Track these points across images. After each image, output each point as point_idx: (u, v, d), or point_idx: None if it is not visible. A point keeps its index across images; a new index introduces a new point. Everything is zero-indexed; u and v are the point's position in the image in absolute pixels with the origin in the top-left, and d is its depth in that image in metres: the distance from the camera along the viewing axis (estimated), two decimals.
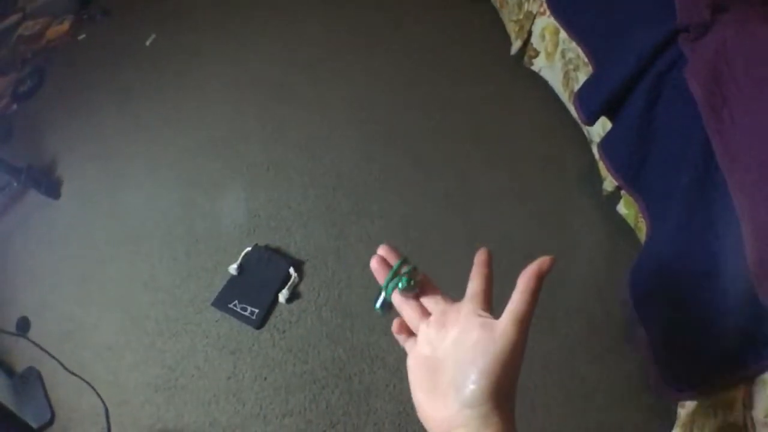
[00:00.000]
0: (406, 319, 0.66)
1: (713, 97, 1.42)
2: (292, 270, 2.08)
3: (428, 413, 0.55)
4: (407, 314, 0.66)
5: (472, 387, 0.51)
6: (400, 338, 0.66)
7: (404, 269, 0.67)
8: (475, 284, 0.63)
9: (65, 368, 1.92)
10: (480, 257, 0.66)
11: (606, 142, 1.97)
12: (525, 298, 0.55)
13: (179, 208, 2.37)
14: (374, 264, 0.68)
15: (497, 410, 0.51)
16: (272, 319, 2.01)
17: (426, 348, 0.61)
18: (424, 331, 0.63)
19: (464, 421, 0.51)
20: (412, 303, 0.66)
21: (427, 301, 0.66)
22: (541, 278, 0.57)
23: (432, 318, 0.64)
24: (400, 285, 0.66)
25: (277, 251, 2.16)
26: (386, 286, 0.67)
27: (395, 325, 0.66)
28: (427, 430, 0.56)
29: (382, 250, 0.70)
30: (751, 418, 1.30)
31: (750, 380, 1.32)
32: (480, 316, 0.58)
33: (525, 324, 0.55)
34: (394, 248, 0.70)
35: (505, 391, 0.52)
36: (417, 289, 0.67)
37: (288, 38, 3.03)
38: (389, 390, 1.83)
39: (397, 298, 0.67)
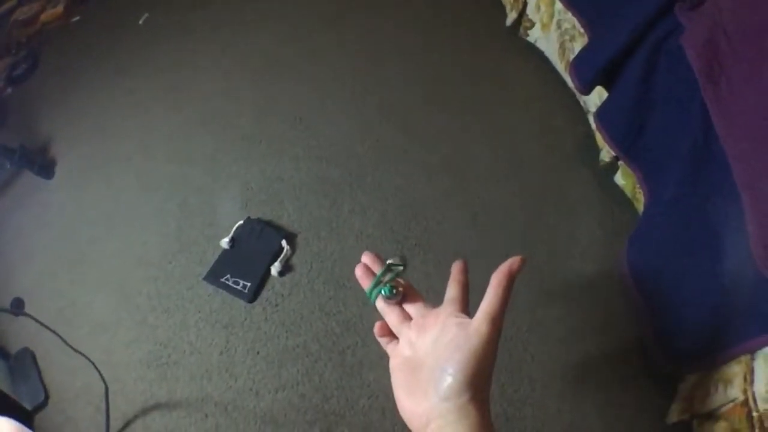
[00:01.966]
0: (389, 322, 0.71)
1: (710, 65, 1.41)
2: (284, 243, 2.06)
3: (408, 409, 0.59)
4: (390, 319, 0.70)
5: (449, 380, 0.55)
6: (383, 341, 0.71)
7: (387, 277, 0.71)
8: (452, 291, 0.67)
9: (67, 344, 1.90)
10: (456, 267, 0.70)
11: (602, 112, 1.96)
12: (497, 297, 0.59)
13: (172, 183, 2.35)
14: (359, 272, 0.74)
15: (473, 402, 0.54)
16: (265, 293, 1.99)
17: (407, 349, 0.65)
18: (406, 333, 0.67)
19: (441, 413, 0.54)
20: (395, 308, 0.71)
21: (409, 307, 0.71)
22: (512, 277, 0.60)
23: (413, 322, 0.68)
24: (383, 292, 0.70)
25: (269, 224, 2.14)
26: (370, 293, 0.71)
27: (377, 328, 0.71)
28: (409, 428, 0.59)
29: (366, 258, 0.75)
30: (753, 393, 1.29)
31: (751, 354, 1.31)
32: (457, 317, 0.62)
33: (498, 321, 0.58)
34: (378, 255, 0.75)
35: (481, 383, 0.56)
36: (399, 296, 0.71)
37: (280, 12, 3.01)
38: (382, 363, 1.79)
39: (380, 304, 0.71)
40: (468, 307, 0.66)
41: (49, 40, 3.13)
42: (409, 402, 0.59)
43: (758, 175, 1.25)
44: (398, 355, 0.66)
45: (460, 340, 0.57)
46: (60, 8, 3.23)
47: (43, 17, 3.23)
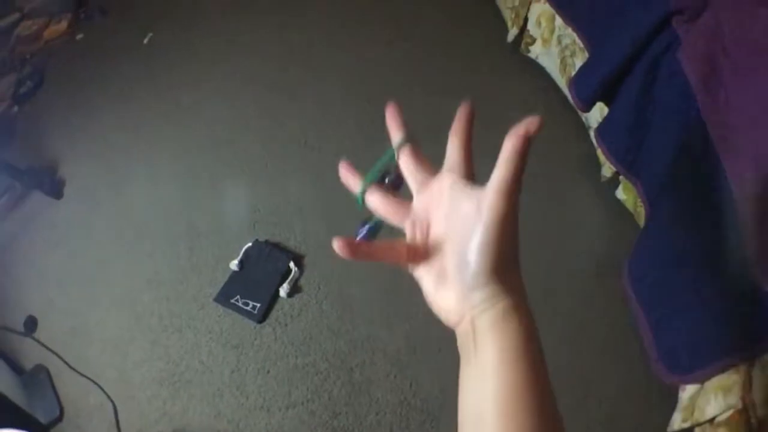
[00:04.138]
0: (393, 220, 0.60)
1: (708, 79, 1.44)
2: (292, 264, 2.11)
3: (442, 306, 0.53)
4: (391, 216, 0.60)
5: (472, 269, 0.49)
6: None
7: (379, 165, 0.63)
8: (453, 153, 0.59)
9: (71, 367, 1.96)
10: (461, 113, 0.60)
11: (603, 129, 1.98)
12: (511, 164, 0.50)
13: (180, 204, 2.40)
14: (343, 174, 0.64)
15: (502, 286, 0.50)
16: (274, 313, 2.04)
17: (420, 238, 0.57)
18: (413, 223, 0.58)
19: (473, 303, 0.50)
20: (391, 208, 0.60)
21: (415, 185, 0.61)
22: (528, 141, 0.50)
23: (415, 201, 0.59)
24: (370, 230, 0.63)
25: (277, 246, 2.19)
26: (362, 192, 0.62)
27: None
28: (447, 325, 0.54)
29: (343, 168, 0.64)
30: (752, 400, 1.32)
31: (750, 362, 1.34)
32: (464, 185, 0.55)
33: (512, 194, 0.50)
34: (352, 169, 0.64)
35: (506, 265, 0.51)
36: (397, 182, 0.62)
37: (284, 32, 3.03)
38: (390, 380, 1.85)
39: (375, 198, 0.61)
40: (472, 171, 0.57)
41: (53, 57, 3.16)
42: (440, 297, 0.53)
43: (755, 186, 1.29)
44: (416, 252, 0.56)
45: (472, 219, 0.50)
46: (64, 25, 3.26)
47: (47, 34, 3.26)
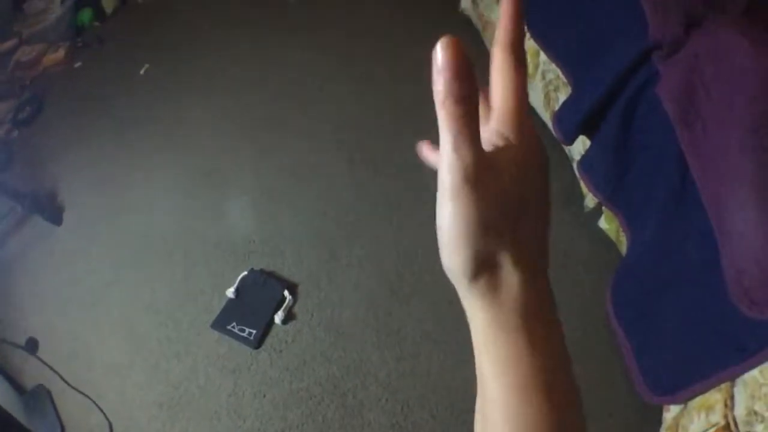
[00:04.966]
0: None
1: (686, 111, 1.51)
2: (286, 292, 2.18)
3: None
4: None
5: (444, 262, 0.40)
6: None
7: None
8: (500, 92, 0.42)
9: (69, 384, 2.02)
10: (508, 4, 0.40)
11: (585, 161, 2.04)
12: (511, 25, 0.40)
13: (177, 233, 2.47)
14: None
15: (486, 294, 0.39)
16: (269, 340, 2.12)
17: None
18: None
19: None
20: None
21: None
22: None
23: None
24: None
25: (271, 275, 2.26)
26: None
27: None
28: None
29: None
30: (734, 418, 1.36)
31: (731, 382, 1.39)
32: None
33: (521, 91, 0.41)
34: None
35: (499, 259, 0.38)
36: None
37: (277, 64, 3.12)
38: (382, 404, 1.92)
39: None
40: (525, 112, 0.42)
41: (52, 84, 3.23)
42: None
43: (731, 215, 1.36)
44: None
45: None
46: (61, 53, 3.33)
47: (46, 61, 3.33)
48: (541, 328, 0.39)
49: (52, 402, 2.07)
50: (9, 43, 3.39)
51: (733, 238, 1.34)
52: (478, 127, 0.36)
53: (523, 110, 0.41)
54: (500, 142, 0.40)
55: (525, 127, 0.41)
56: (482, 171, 0.36)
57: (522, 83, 0.41)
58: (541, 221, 0.41)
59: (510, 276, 0.38)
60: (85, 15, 3.48)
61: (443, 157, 0.36)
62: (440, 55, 0.35)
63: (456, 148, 0.35)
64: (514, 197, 0.38)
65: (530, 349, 0.39)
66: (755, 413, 1.31)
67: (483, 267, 0.38)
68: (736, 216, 1.35)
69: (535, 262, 0.40)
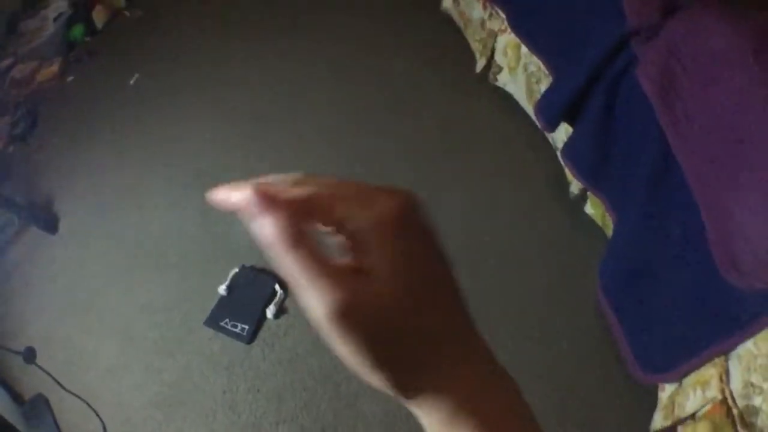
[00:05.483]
0: None
1: (666, 93, 1.53)
2: (277, 287, 2.20)
3: None
4: None
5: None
6: None
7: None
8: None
9: (64, 388, 2.03)
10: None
11: (568, 148, 2.07)
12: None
13: (169, 235, 2.50)
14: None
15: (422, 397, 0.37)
16: (261, 334, 2.13)
17: None
18: None
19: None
20: None
21: None
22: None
23: None
24: None
25: (262, 270, 2.28)
26: None
27: None
28: None
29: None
30: (731, 392, 1.37)
31: (725, 355, 1.40)
32: None
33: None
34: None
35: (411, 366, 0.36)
36: None
37: (264, 74, 3.15)
38: (375, 393, 1.92)
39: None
40: None
41: (46, 99, 3.27)
42: None
43: (714, 190, 1.38)
44: None
45: None
46: (55, 68, 3.38)
47: (39, 77, 3.37)
48: (488, 407, 0.38)
49: (51, 411, 2.09)
50: (4, 63, 3.44)
51: (719, 212, 1.37)
52: (326, 266, 0.33)
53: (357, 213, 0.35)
54: (366, 257, 0.35)
55: (378, 231, 0.35)
56: (347, 308, 0.32)
57: (316, 196, 0.35)
58: (447, 301, 0.37)
59: (435, 386, 0.36)
60: (77, 31, 3.52)
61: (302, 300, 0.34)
62: (256, 203, 0.33)
63: (304, 297, 0.33)
64: (399, 310, 0.34)
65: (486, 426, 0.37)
66: (752, 385, 1.32)
67: (405, 386, 0.36)
68: (721, 191, 1.37)
69: (455, 350, 0.37)
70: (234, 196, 0.35)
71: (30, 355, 2.21)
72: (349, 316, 0.33)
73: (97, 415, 1.98)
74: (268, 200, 0.33)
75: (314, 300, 0.33)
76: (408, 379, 0.36)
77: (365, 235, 0.34)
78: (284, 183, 0.36)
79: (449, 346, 0.37)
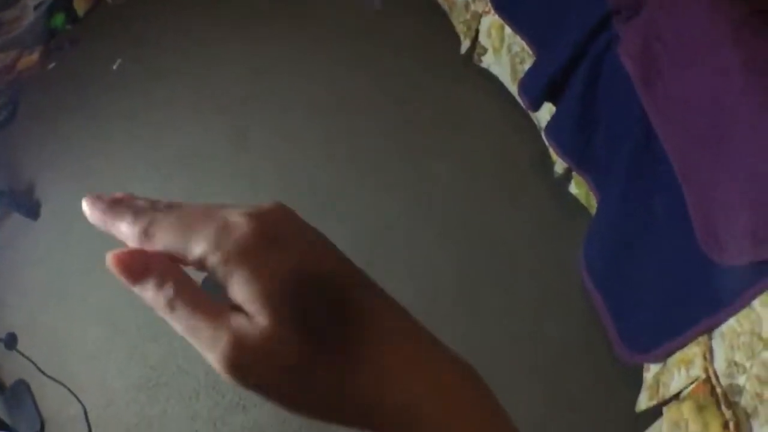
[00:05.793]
0: None
1: (647, 72, 1.53)
2: None
3: None
4: None
5: None
6: None
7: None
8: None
9: (44, 374, 2.01)
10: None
11: (551, 127, 2.06)
12: None
13: None
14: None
15: None
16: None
17: None
18: None
19: None
20: None
21: None
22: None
23: None
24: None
25: None
26: None
27: None
28: None
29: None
30: (714, 371, 1.36)
31: (708, 334, 1.39)
32: None
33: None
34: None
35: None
36: None
37: (247, 57, 3.13)
38: None
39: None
40: None
41: (26, 86, 3.25)
42: None
43: (695, 167, 1.38)
44: None
45: None
46: (36, 56, 3.35)
47: (20, 65, 3.35)
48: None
49: (32, 396, 2.08)
50: None
51: (700, 188, 1.37)
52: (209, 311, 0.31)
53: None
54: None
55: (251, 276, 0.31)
56: (234, 358, 0.29)
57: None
58: (351, 306, 0.32)
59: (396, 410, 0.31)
60: (58, 19, 3.50)
61: None
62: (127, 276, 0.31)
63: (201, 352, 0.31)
64: (288, 343, 0.30)
65: None
66: (735, 364, 1.32)
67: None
68: (702, 168, 1.37)
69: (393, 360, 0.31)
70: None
71: (11, 341, 2.19)
72: (238, 368, 0.30)
73: (78, 399, 1.96)
74: (139, 270, 0.31)
75: (206, 354, 0.30)
76: (338, 415, 0.31)
77: (223, 271, 0.31)
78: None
79: (384, 357, 0.31)
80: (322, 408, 0.31)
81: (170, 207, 0.34)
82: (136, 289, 0.31)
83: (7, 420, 1.98)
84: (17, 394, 2.10)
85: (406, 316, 0.34)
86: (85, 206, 0.34)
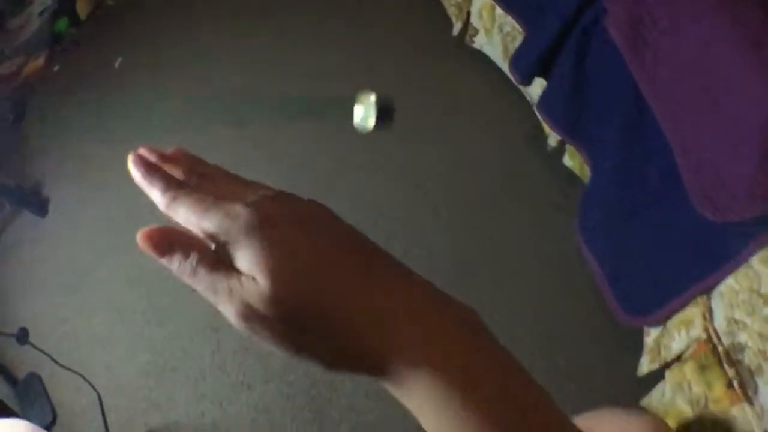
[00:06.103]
0: None
1: (635, 42, 1.54)
2: None
3: None
4: None
5: None
6: None
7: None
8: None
9: (58, 363, 2.05)
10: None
11: (543, 101, 2.07)
12: None
13: (156, 213, 2.49)
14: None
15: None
16: None
17: None
18: None
19: None
20: None
21: None
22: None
23: None
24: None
25: None
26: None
27: None
28: None
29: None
30: (715, 330, 1.37)
31: (707, 294, 1.40)
32: None
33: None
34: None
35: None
36: None
37: (245, 52, 3.16)
38: None
39: None
40: None
41: (34, 89, 3.32)
42: None
43: (686, 130, 1.40)
44: None
45: None
46: (41, 60, 3.42)
47: (26, 70, 3.41)
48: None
49: (44, 388, 2.13)
50: None
51: (691, 150, 1.38)
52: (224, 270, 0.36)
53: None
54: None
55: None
56: (245, 309, 0.35)
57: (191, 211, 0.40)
58: (352, 271, 0.37)
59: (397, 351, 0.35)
60: (62, 23, 3.57)
61: None
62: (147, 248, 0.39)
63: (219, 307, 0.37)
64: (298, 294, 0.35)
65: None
66: (735, 321, 1.32)
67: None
68: (692, 130, 1.39)
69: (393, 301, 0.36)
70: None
71: (23, 335, 2.24)
72: (249, 317, 0.35)
73: (93, 387, 2.00)
74: (165, 246, 0.38)
75: (224, 307, 0.36)
76: (345, 360, 0.36)
77: (228, 249, 0.37)
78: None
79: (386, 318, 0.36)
80: (321, 351, 0.36)
81: (203, 177, 0.45)
82: (164, 261, 0.38)
83: (20, 412, 2.02)
84: (29, 386, 2.15)
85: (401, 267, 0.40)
86: (130, 163, 0.43)
